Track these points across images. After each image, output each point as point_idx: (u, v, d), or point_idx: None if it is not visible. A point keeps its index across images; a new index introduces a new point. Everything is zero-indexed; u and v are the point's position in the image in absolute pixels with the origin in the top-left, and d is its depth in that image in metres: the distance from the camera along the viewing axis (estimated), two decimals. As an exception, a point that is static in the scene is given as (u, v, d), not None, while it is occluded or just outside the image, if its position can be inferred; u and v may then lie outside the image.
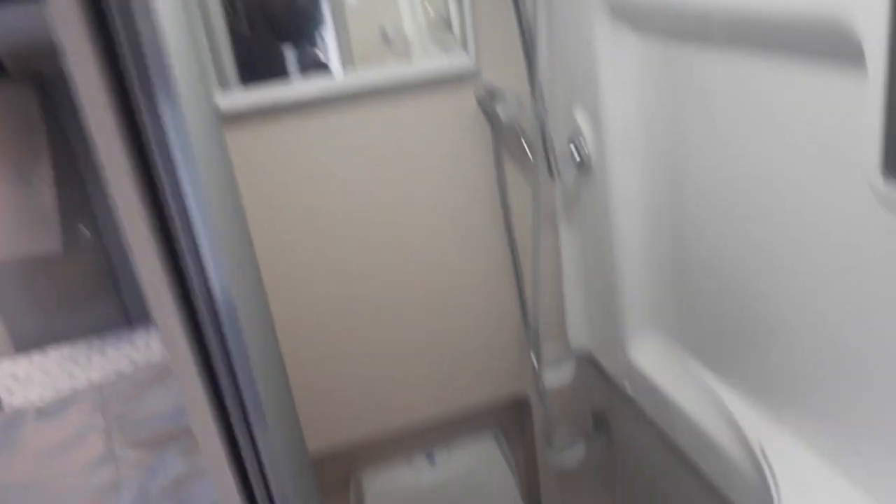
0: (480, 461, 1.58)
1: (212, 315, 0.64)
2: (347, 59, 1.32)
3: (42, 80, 1.57)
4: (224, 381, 0.67)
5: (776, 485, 0.88)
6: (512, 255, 1.43)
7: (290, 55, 1.30)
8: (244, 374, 0.66)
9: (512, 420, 1.66)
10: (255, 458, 0.70)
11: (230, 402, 0.68)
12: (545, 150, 1.26)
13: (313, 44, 1.32)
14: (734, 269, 1.01)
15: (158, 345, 1.83)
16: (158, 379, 1.71)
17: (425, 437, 1.59)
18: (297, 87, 1.29)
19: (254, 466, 0.70)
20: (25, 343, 1.87)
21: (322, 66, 1.31)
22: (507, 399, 1.56)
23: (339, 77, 1.30)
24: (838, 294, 0.81)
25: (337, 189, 1.33)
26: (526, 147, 1.35)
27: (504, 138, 1.37)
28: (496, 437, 1.62)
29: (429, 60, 1.32)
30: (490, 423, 1.64)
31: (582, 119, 1.25)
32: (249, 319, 0.69)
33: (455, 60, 1.33)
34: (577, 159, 1.27)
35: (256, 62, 1.28)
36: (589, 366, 1.55)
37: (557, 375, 1.54)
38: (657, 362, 1.29)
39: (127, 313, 1.85)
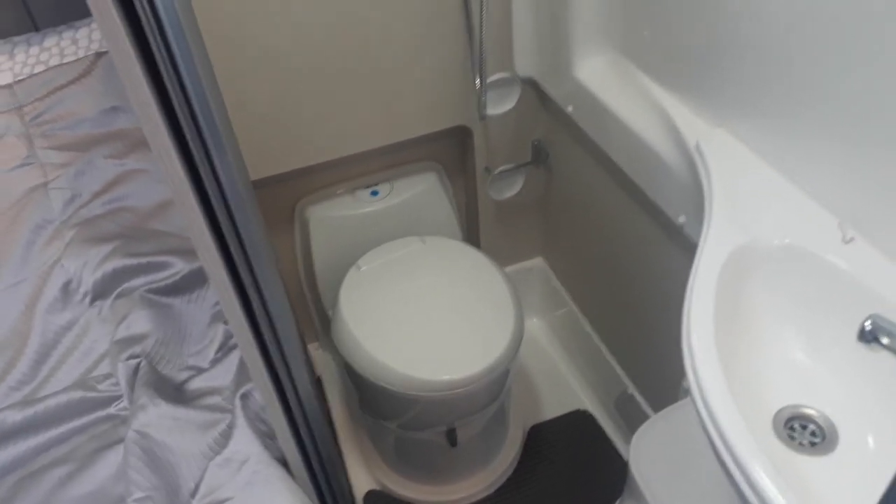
0: (421, 193, 1.61)
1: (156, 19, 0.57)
2: None
3: None
4: (173, 90, 0.62)
5: (708, 174, 0.91)
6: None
7: None
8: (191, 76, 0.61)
9: (453, 154, 1.66)
10: (209, 162, 0.67)
11: (178, 104, 0.63)
12: None
13: None
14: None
15: (72, 48, 1.67)
16: (75, 80, 1.59)
17: (369, 176, 1.59)
18: None
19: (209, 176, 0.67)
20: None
21: None
22: (449, 132, 1.53)
23: None
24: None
25: None
26: None
27: None
28: (437, 171, 1.64)
29: None
30: (432, 157, 1.63)
31: None
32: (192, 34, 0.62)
33: None
34: None
35: None
36: (532, 95, 1.52)
37: (501, 102, 1.52)
38: (602, 80, 1.27)
39: (32, 18, 1.71)
